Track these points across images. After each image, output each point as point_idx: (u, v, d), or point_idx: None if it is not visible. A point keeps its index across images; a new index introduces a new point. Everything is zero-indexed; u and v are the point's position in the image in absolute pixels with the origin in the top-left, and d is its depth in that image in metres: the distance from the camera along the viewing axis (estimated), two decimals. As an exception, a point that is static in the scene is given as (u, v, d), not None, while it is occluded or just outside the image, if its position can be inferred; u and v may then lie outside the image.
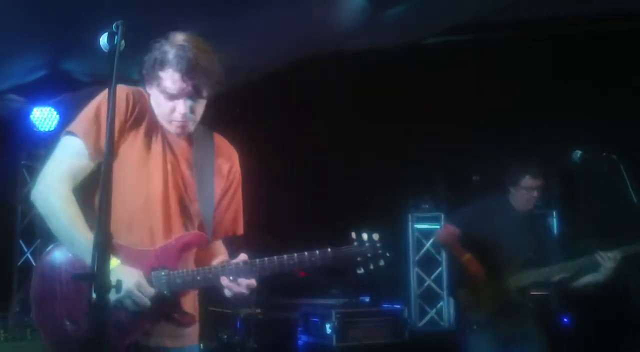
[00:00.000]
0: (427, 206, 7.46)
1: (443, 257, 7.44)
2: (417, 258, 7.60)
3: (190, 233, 2.52)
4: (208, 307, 5.48)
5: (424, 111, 6.94)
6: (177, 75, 2.36)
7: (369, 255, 2.46)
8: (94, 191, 2.38)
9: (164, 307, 2.39)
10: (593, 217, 6.62)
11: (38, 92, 6.25)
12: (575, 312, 5.72)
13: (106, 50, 2.03)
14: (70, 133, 2.41)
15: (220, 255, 2.59)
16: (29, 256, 7.34)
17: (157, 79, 2.40)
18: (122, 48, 2.00)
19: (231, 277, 2.39)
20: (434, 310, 7.48)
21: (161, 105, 2.45)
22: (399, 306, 6.61)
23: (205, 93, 2.43)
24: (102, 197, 1.92)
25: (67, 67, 5.85)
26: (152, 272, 2.36)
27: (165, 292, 2.36)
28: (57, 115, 6.54)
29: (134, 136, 2.44)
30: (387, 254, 2.48)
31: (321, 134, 7.20)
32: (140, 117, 2.46)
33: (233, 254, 2.56)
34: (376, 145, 7.11)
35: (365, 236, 2.49)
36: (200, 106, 2.47)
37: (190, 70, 2.35)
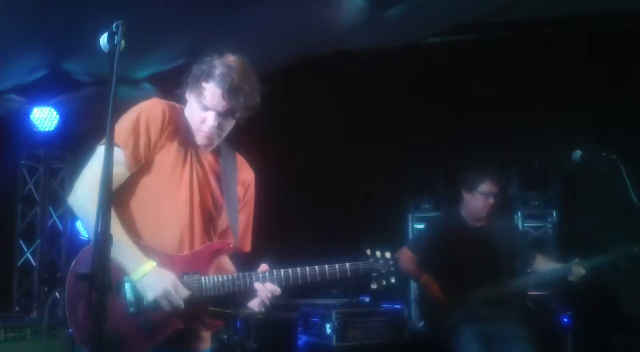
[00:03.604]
0: (427, 206, 7.44)
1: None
2: (417, 258, 7.59)
3: (220, 241, 2.67)
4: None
5: (424, 111, 6.94)
6: (217, 91, 2.51)
7: (382, 271, 2.67)
8: (127, 199, 2.52)
9: (195, 310, 2.51)
10: (593, 218, 6.62)
11: (38, 92, 6.25)
12: (574, 312, 5.72)
13: (106, 50, 2.03)
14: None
15: (229, 271, 2.68)
16: (29, 256, 7.34)
17: (198, 89, 2.53)
18: (122, 48, 2.01)
19: (259, 285, 2.54)
20: (434, 310, 7.47)
21: (194, 114, 2.59)
22: (399, 306, 6.59)
23: (237, 115, 2.58)
24: (102, 198, 1.93)
25: (67, 67, 5.86)
26: (185, 276, 2.48)
27: (196, 294, 2.49)
28: (57, 115, 6.54)
29: (167, 148, 2.56)
30: (398, 272, 2.70)
31: (320, 134, 7.20)
32: (174, 130, 2.59)
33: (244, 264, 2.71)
34: (376, 145, 7.11)
35: (378, 253, 2.69)
36: (229, 124, 2.63)
37: (230, 91, 2.50)
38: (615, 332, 6.05)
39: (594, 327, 5.93)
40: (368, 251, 2.69)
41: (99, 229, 1.90)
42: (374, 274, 2.66)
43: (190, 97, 2.60)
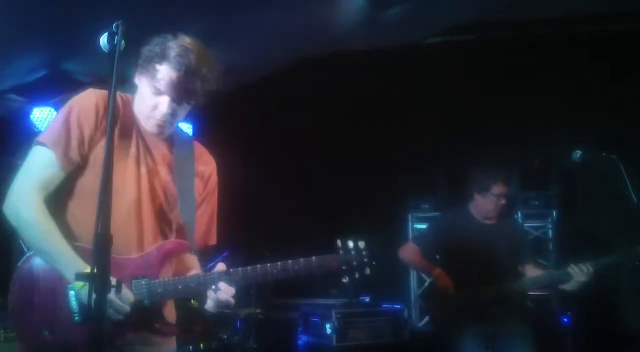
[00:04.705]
0: (427, 206, 7.45)
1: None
2: (417, 258, 7.58)
3: (171, 241, 2.47)
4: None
5: (424, 111, 6.94)
6: (173, 74, 2.30)
7: (354, 263, 2.42)
8: (65, 200, 2.37)
9: (146, 317, 2.35)
10: (593, 218, 6.62)
11: (38, 92, 6.24)
12: (574, 312, 5.73)
13: (106, 50, 2.03)
14: (39, 143, 2.36)
15: (194, 268, 2.52)
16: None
17: (151, 71, 2.33)
18: (122, 48, 2.01)
19: (213, 286, 2.35)
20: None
21: (145, 99, 2.39)
22: (399, 306, 6.60)
23: (193, 100, 2.38)
24: (102, 198, 1.92)
25: (67, 67, 5.85)
26: (133, 281, 2.33)
27: (145, 301, 2.32)
28: (57, 116, 6.53)
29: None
30: (373, 263, 2.43)
31: (321, 134, 7.20)
32: (113, 121, 2.38)
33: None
34: (376, 145, 7.11)
35: (350, 244, 2.44)
36: (184, 111, 2.42)
37: (187, 74, 2.30)
38: (614, 333, 6.06)
39: (594, 327, 5.93)
40: (338, 242, 2.45)
41: (99, 229, 1.88)
42: (344, 268, 2.41)
43: (141, 81, 2.38)
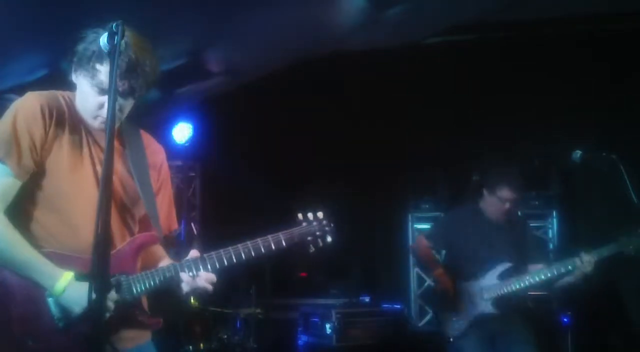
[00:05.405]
0: (427, 206, 7.45)
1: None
2: (417, 258, 7.60)
3: (142, 235, 2.48)
4: (208, 307, 5.49)
5: (424, 111, 6.94)
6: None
7: (317, 233, 2.61)
8: (28, 208, 2.33)
9: (129, 313, 2.35)
10: (593, 218, 6.63)
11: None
12: (574, 312, 5.73)
13: (106, 51, 2.03)
14: None
15: (163, 258, 2.55)
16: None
17: (90, 71, 2.29)
18: (122, 48, 2.00)
19: (190, 273, 2.39)
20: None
21: (89, 99, 2.34)
22: (399, 306, 6.61)
23: (137, 94, 2.34)
24: (102, 198, 1.91)
25: (67, 67, 5.85)
26: (112, 280, 2.28)
27: (127, 297, 2.32)
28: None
29: (58, 144, 2.34)
30: (334, 229, 2.63)
31: (321, 134, 7.21)
32: (61, 122, 2.35)
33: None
34: (376, 145, 7.11)
35: (311, 216, 2.64)
36: (129, 105, 2.38)
37: (129, 70, 2.24)
38: (614, 333, 6.06)
39: (594, 327, 5.93)
40: (300, 215, 2.63)
41: (99, 229, 1.88)
42: (309, 238, 2.59)
43: (81, 81, 2.34)
